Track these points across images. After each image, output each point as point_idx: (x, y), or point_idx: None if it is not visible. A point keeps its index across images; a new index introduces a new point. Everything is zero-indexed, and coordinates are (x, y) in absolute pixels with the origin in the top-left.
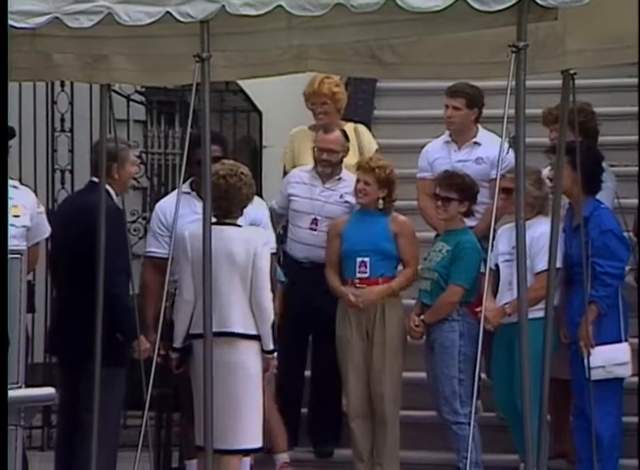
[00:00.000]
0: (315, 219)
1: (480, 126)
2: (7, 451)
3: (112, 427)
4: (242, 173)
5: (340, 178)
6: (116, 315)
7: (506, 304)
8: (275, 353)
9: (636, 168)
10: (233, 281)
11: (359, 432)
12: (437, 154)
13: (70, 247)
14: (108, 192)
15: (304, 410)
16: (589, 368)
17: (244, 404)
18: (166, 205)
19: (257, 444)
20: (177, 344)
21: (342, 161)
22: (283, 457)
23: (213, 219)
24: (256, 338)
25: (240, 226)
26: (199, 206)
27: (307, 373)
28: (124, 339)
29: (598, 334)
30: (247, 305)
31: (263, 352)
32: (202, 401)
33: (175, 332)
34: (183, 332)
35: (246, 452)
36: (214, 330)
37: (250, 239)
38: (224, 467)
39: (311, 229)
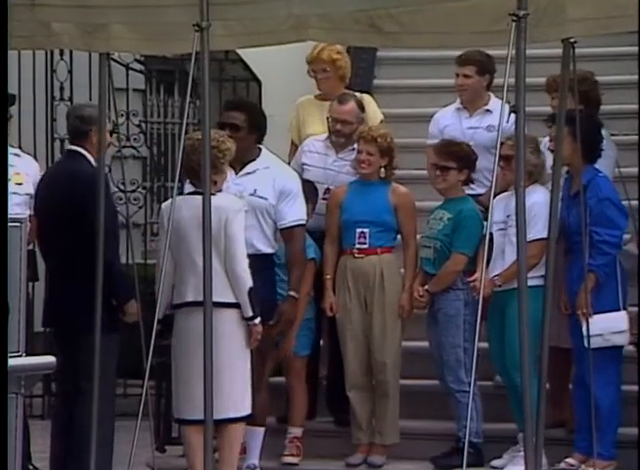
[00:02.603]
0: (328, 189)
1: (491, 94)
2: (7, 419)
3: (108, 393)
4: (197, 139)
5: (353, 149)
6: (109, 280)
7: (496, 276)
8: (257, 319)
9: (636, 137)
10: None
11: (358, 401)
12: (448, 121)
13: (57, 215)
14: (87, 159)
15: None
16: (588, 336)
17: (227, 373)
18: None
19: (245, 411)
20: (159, 314)
21: (356, 131)
22: (295, 431)
23: (191, 188)
24: (237, 306)
25: (213, 194)
26: (228, 174)
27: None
28: (118, 303)
29: (596, 302)
30: (223, 273)
31: (244, 319)
32: (180, 372)
33: (158, 302)
34: (164, 303)
35: (233, 421)
36: (193, 300)
37: (220, 207)
38: (226, 436)
39: (324, 199)
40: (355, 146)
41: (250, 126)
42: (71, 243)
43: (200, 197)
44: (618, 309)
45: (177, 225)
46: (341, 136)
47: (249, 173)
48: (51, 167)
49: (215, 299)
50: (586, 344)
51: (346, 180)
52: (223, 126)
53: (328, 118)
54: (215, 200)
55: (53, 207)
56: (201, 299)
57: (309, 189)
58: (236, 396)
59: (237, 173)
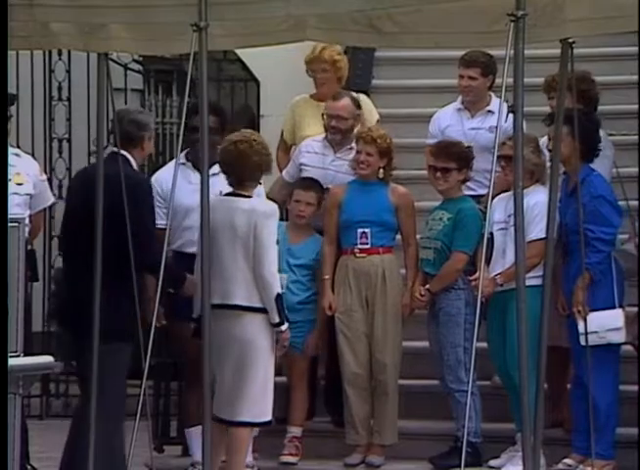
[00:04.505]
0: (327, 189)
1: (493, 95)
2: (6, 419)
3: (115, 398)
4: (254, 140)
5: (351, 148)
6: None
7: (497, 274)
8: (285, 326)
9: (635, 137)
10: (236, 253)
11: (356, 401)
12: (449, 121)
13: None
14: (129, 161)
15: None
16: (584, 334)
17: (249, 377)
18: (162, 176)
19: (264, 417)
20: (195, 313)
21: (352, 129)
22: (294, 431)
23: (230, 189)
24: (264, 310)
25: (249, 197)
26: (193, 176)
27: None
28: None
29: (592, 300)
30: (251, 277)
31: (271, 325)
32: (214, 372)
33: (194, 302)
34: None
35: (251, 425)
36: (219, 302)
37: (252, 210)
38: (232, 438)
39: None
40: (353, 145)
41: (222, 128)
42: (112, 245)
43: (236, 199)
44: (614, 307)
45: (211, 227)
46: (336, 132)
47: (214, 174)
48: (91, 168)
49: (242, 302)
50: (582, 341)
51: (345, 180)
52: (193, 129)
53: (323, 115)
54: (249, 203)
55: (94, 207)
56: (227, 302)
57: (315, 184)
58: (256, 401)
59: None
